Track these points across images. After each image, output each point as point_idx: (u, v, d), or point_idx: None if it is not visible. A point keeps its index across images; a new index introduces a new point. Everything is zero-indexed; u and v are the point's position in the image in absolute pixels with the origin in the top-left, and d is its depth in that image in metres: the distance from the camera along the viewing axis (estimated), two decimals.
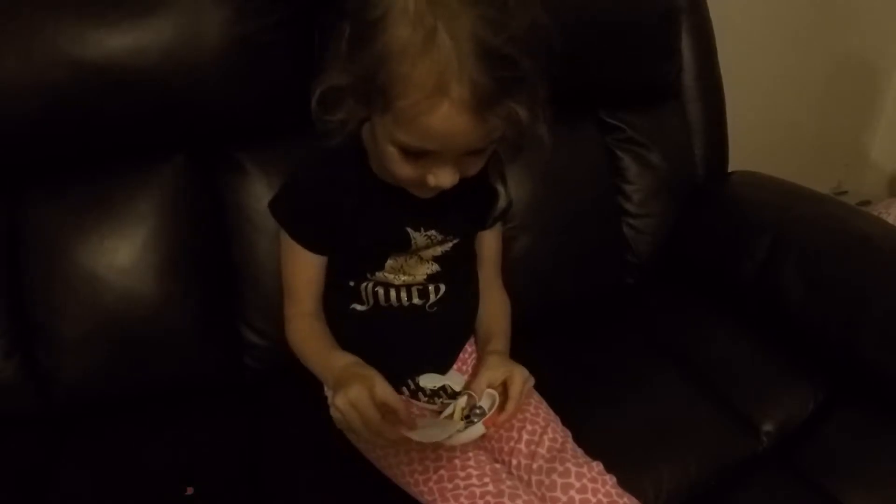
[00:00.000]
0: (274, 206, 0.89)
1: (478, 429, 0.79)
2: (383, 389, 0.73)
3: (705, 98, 1.33)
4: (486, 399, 0.80)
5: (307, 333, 0.89)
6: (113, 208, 0.99)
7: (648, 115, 1.28)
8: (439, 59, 0.61)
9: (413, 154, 0.69)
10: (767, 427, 1.02)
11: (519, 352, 0.90)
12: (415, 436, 0.74)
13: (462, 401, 0.81)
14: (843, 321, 1.04)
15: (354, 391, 0.72)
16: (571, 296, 1.19)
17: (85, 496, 0.89)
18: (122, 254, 0.99)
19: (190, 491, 0.89)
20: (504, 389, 0.80)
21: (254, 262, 1.03)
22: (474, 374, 0.85)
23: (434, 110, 0.63)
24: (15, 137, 0.94)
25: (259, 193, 1.03)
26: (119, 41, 0.92)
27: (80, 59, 0.91)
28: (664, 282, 1.27)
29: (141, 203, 1.00)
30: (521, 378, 0.81)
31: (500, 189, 0.88)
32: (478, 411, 0.79)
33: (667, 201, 1.27)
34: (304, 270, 0.89)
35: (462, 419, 0.79)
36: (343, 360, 0.81)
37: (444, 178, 0.71)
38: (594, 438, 0.88)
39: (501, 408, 0.79)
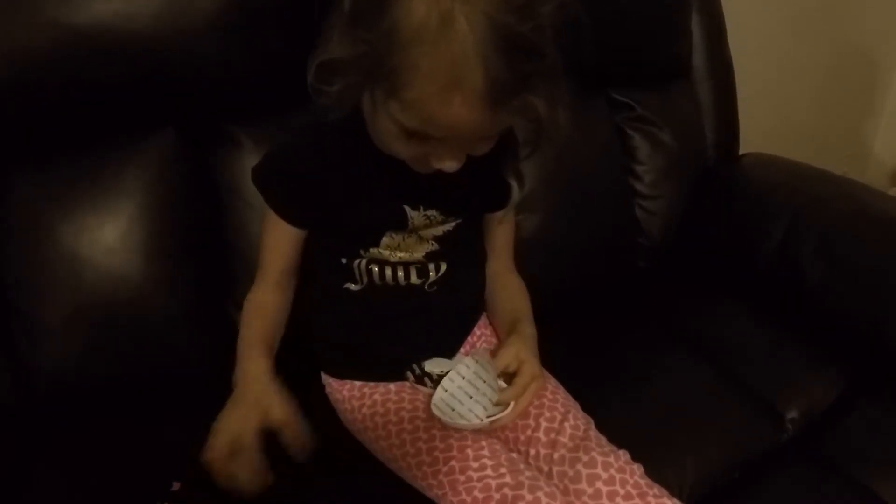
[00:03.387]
0: (255, 171, 0.84)
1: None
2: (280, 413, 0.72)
3: (715, 78, 1.32)
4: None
5: (252, 311, 0.85)
6: (97, 184, 0.94)
7: (659, 94, 1.25)
8: (455, 50, 0.56)
9: (416, 135, 0.64)
10: (792, 414, 0.99)
11: None
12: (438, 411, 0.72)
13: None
14: (866, 305, 1.02)
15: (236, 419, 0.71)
16: (582, 280, 1.15)
17: (64, 495, 0.84)
18: (106, 232, 0.93)
19: (176, 486, 0.83)
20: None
21: (247, 241, 0.97)
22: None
23: (444, 103, 0.58)
24: None
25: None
26: (106, 4, 0.86)
27: (63, 23, 0.85)
28: (676, 266, 1.24)
29: (128, 178, 0.94)
30: (528, 375, 0.77)
31: (514, 185, 0.81)
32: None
33: (678, 183, 1.25)
34: (278, 243, 0.84)
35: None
36: (254, 369, 0.77)
37: (448, 161, 0.67)
38: (611, 426, 0.83)
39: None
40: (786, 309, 1.11)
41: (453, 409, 0.77)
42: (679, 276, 1.22)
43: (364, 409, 0.82)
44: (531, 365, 0.78)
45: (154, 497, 0.81)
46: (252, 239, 0.97)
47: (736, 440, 0.94)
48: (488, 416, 0.76)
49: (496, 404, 0.77)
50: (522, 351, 0.79)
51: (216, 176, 0.99)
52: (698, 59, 1.29)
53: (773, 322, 1.11)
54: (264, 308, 0.85)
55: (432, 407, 0.77)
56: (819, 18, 1.76)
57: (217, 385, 0.96)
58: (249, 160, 0.97)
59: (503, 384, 0.78)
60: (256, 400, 0.73)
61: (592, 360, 1.01)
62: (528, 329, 0.85)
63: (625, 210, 1.21)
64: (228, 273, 1.00)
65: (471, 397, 0.79)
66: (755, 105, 1.54)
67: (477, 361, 0.81)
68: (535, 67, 0.59)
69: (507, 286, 0.91)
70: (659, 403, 0.96)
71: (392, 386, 0.83)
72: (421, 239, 0.81)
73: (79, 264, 0.92)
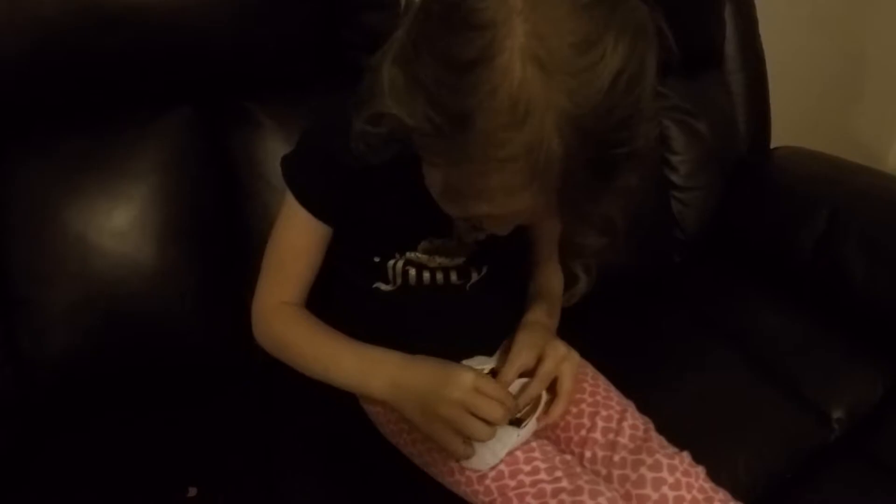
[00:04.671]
0: (286, 164, 0.76)
1: (529, 430, 0.70)
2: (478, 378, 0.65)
3: (748, 69, 1.30)
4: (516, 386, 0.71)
5: (302, 324, 0.75)
6: (109, 165, 0.90)
7: (693, 84, 1.22)
8: (541, 172, 0.48)
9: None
10: (838, 413, 0.97)
11: (563, 331, 0.81)
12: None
13: None
14: None
15: (466, 379, 0.64)
16: (618, 274, 1.09)
17: (68, 497, 0.80)
18: (117, 215, 0.89)
19: (193, 492, 0.79)
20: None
21: (267, 225, 0.88)
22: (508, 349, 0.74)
23: (511, 204, 0.52)
24: None
25: (274, 149, 0.92)
26: None
27: None
28: (712, 259, 1.22)
29: (141, 159, 0.90)
30: (552, 360, 0.71)
31: (581, 276, 0.74)
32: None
33: (714, 174, 1.22)
34: (303, 242, 0.75)
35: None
36: (396, 355, 0.70)
37: (501, 229, 0.63)
38: (655, 425, 0.78)
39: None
40: (827, 303, 1.09)
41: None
42: (715, 270, 1.20)
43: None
44: (553, 349, 0.72)
45: (168, 502, 0.78)
46: (273, 222, 0.90)
47: (783, 439, 0.92)
48: (522, 424, 0.70)
49: (524, 406, 0.71)
50: (531, 343, 0.72)
51: (234, 156, 0.95)
52: (731, 49, 1.27)
53: (813, 317, 1.08)
54: (309, 316, 0.77)
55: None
56: (841, 14, 1.74)
57: (233, 377, 0.95)
58: (269, 140, 0.95)
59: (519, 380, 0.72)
60: (436, 379, 0.67)
61: (628, 356, 0.96)
62: (536, 316, 0.77)
63: (661, 202, 1.18)
64: (246, 258, 0.93)
65: None
66: (780, 99, 1.53)
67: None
68: (619, 186, 0.52)
69: (540, 273, 0.85)
70: (701, 400, 0.93)
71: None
72: (462, 244, 0.74)
73: (87, 250, 0.88)
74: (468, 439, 0.65)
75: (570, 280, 0.75)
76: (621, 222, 0.56)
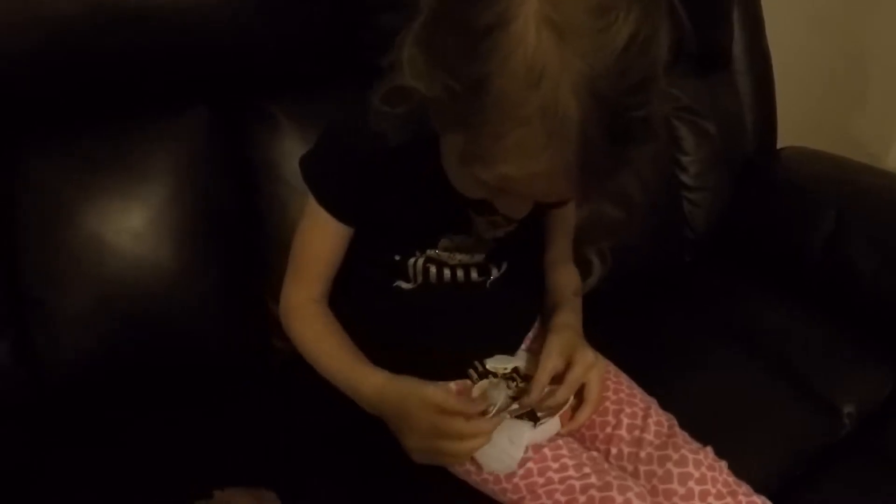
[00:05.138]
0: (305, 161, 0.76)
1: (552, 426, 0.70)
2: (437, 395, 0.66)
3: (755, 71, 1.29)
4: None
5: (320, 329, 0.78)
6: (124, 165, 0.89)
7: (702, 85, 1.23)
8: (556, 133, 0.49)
9: (488, 185, 0.57)
10: (849, 409, 0.97)
11: None
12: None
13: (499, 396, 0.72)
14: None
15: (424, 418, 0.65)
16: (629, 274, 1.09)
17: (83, 499, 0.78)
18: (133, 216, 0.88)
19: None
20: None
21: (284, 226, 0.91)
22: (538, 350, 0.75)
23: (532, 181, 0.53)
24: (11, 80, 0.83)
25: (293, 149, 0.91)
26: None
27: None
28: (721, 259, 1.22)
29: (157, 159, 0.90)
30: (581, 367, 0.71)
31: (596, 262, 0.74)
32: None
33: (723, 174, 1.22)
34: (323, 242, 0.77)
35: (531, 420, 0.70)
36: (380, 376, 0.72)
37: (516, 210, 0.63)
38: None
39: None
40: (836, 301, 1.09)
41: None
42: (725, 270, 1.20)
43: None
44: (582, 355, 0.72)
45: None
46: (291, 223, 0.90)
47: (795, 435, 0.93)
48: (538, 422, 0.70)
49: (546, 408, 0.72)
50: (562, 348, 0.73)
51: (252, 156, 0.95)
52: (738, 51, 1.27)
53: (822, 315, 1.09)
54: (328, 328, 0.78)
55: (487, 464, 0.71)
56: (841, 15, 1.75)
57: (250, 378, 0.94)
58: (286, 140, 0.94)
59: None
60: (406, 403, 0.68)
61: (638, 354, 0.94)
62: (565, 318, 0.78)
63: (673, 202, 1.18)
64: (264, 259, 0.94)
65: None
66: (782, 99, 1.54)
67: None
68: (640, 148, 0.52)
69: (559, 272, 0.86)
70: (711, 398, 0.92)
71: (452, 385, 0.77)
72: (481, 241, 0.75)
73: (103, 250, 0.87)
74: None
75: (583, 269, 0.75)
76: (637, 197, 0.55)
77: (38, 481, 0.80)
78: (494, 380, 0.73)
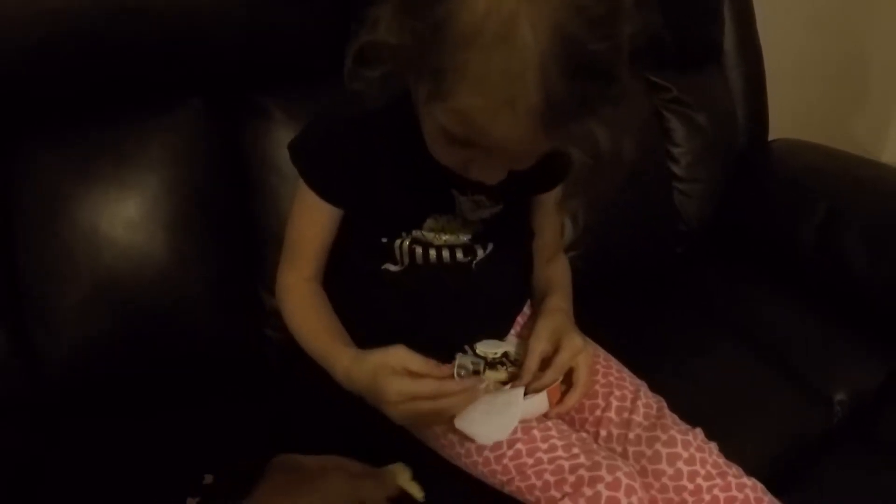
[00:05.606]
0: (293, 147, 0.78)
1: (540, 402, 0.70)
2: (404, 358, 0.66)
3: (745, 64, 1.31)
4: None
5: (306, 309, 0.79)
6: (119, 156, 0.89)
7: (693, 78, 1.24)
8: (512, 60, 0.49)
9: (458, 142, 0.58)
10: (840, 396, 0.98)
11: None
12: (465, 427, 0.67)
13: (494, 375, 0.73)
14: None
15: (393, 387, 0.65)
16: (621, 266, 1.12)
17: (81, 493, 0.78)
18: (128, 207, 0.89)
19: (209, 479, 0.78)
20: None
21: (278, 218, 0.92)
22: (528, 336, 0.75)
23: (492, 117, 0.52)
24: (7, 73, 0.83)
25: (285, 141, 0.85)
26: None
27: None
28: (713, 251, 1.23)
29: (152, 151, 0.90)
30: (569, 351, 0.71)
31: (568, 224, 0.75)
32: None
33: (714, 166, 1.23)
34: (313, 224, 0.78)
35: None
36: (347, 356, 0.72)
37: (488, 174, 0.62)
38: None
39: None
40: (827, 293, 1.10)
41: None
42: (717, 261, 1.21)
43: None
44: (570, 340, 0.73)
45: (185, 492, 0.76)
46: (284, 215, 0.91)
47: (788, 423, 0.93)
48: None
49: (533, 390, 0.72)
50: (551, 331, 0.73)
51: (246, 149, 0.95)
52: (729, 44, 1.28)
53: (813, 305, 1.09)
54: (315, 307, 0.79)
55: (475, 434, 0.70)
56: (838, 11, 1.75)
57: (246, 368, 0.94)
58: (282, 133, 0.94)
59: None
60: (378, 367, 0.68)
61: (630, 344, 0.94)
62: (556, 303, 0.79)
63: (664, 194, 1.19)
64: (259, 251, 0.95)
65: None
66: (777, 94, 1.54)
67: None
68: (603, 92, 0.51)
69: (547, 260, 0.87)
70: (705, 387, 0.93)
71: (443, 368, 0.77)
72: (467, 222, 0.76)
73: (98, 242, 0.88)
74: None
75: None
76: (605, 145, 0.54)
77: (34, 472, 0.81)
78: (476, 359, 0.74)
